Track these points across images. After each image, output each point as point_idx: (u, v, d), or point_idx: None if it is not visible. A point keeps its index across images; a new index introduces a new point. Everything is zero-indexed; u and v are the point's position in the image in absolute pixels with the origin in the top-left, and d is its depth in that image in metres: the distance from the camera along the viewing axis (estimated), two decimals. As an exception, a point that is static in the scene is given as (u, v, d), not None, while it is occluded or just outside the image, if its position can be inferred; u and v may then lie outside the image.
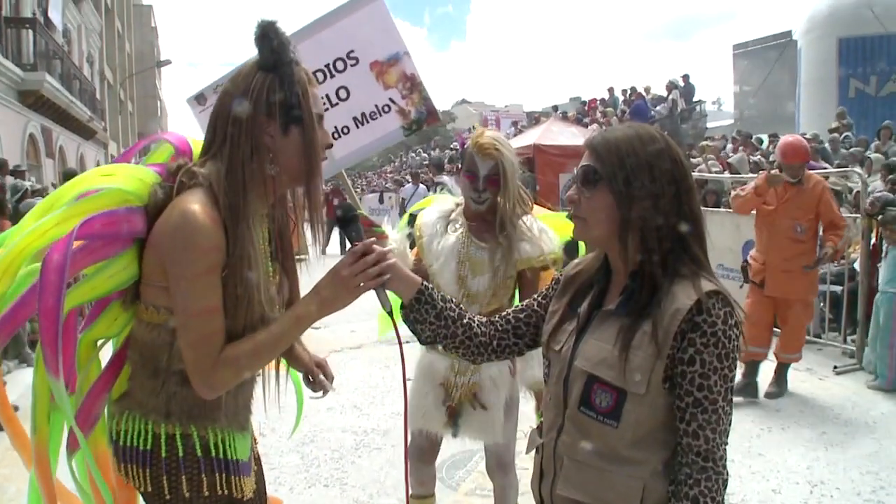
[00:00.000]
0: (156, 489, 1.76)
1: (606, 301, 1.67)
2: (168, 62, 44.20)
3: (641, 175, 1.54)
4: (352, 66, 3.20)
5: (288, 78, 1.73)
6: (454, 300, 1.89)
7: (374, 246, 1.77)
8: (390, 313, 1.85)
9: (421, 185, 15.68)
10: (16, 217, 9.45)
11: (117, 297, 1.82)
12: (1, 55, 17.61)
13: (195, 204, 1.64)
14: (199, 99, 3.15)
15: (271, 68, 1.73)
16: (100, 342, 1.92)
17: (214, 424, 1.81)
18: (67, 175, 14.78)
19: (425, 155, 33.66)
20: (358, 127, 3.24)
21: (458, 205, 3.16)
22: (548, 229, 3.06)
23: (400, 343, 1.85)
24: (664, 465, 1.54)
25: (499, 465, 3.21)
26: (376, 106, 3.24)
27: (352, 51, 3.17)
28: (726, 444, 1.51)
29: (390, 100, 3.23)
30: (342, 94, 3.23)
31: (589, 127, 19.65)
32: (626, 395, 1.52)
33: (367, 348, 7.57)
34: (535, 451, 1.81)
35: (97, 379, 1.88)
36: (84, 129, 28.19)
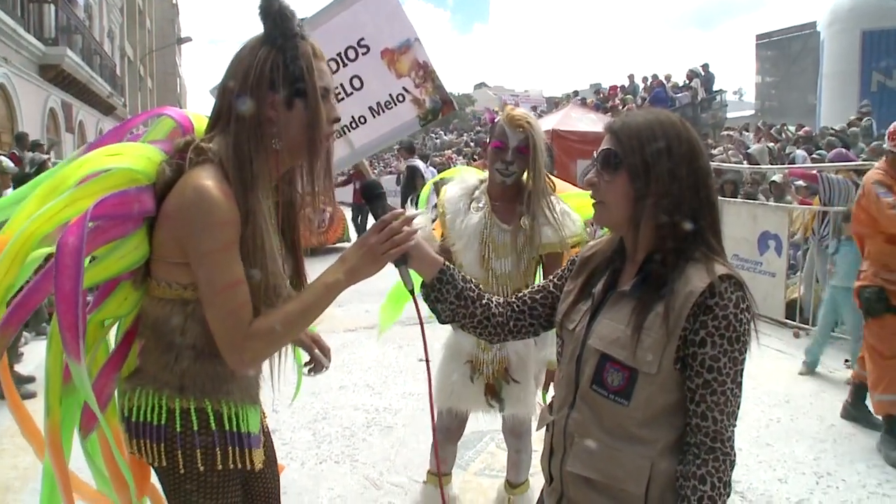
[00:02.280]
0: (170, 464, 1.77)
1: (621, 282, 1.69)
2: (188, 39, 44.20)
3: (660, 160, 1.56)
4: (363, 54, 3.14)
5: (291, 51, 1.73)
6: (474, 280, 1.92)
7: (400, 215, 1.80)
8: (412, 291, 1.88)
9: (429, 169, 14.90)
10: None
11: (127, 277, 1.82)
12: (23, 29, 17.70)
13: (208, 180, 1.65)
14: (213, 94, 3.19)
15: (275, 42, 1.73)
16: (107, 322, 1.92)
17: (228, 398, 1.83)
18: (134, 117, 14.81)
19: (447, 138, 33.53)
20: (374, 116, 3.21)
21: (482, 181, 3.15)
22: (571, 211, 3.06)
23: (421, 322, 1.88)
24: (673, 445, 1.57)
25: (513, 432, 3.28)
26: (391, 95, 3.18)
27: (362, 38, 3.12)
28: (734, 425, 1.54)
29: (404, 89, 3.17)
30: (356, 83, 3.17)
31: (608, 114, 19.59)
32: (637, 375, 1.55)
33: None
34: (545, 428, 1.84)
35: (108, 359, 1.90)
36: (104, 104, 28.36)
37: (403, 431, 4.95)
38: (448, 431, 3.32)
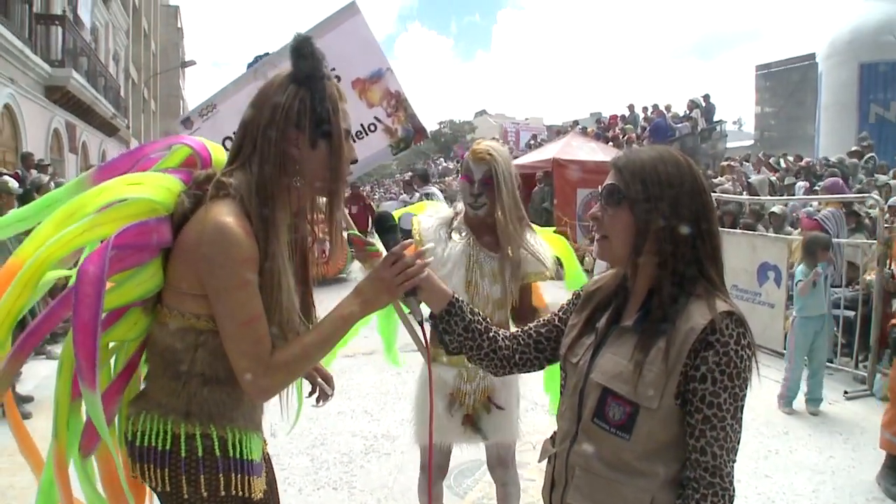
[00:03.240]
0: (174, 489, 1.77)
1: (624, 317, 1.72)
2: (192, 62, 44.59)
3: (662, 197, 1.59)
4: None
5: (320, 92, 1.78)
6: (479, 313, 1.95)
7: (411, 248, 1.85)
8: (421, 323, 1.95)
9: (416, 194, 14.92)
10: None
11: (139, 304, 1.84)
12: (30, 50, 17.82)
13: (229, 216, 1.67)
14: (186, 123, 3.12)
15: (304, 82, 1.78)
16: (112, 345, 1.93)
17: (233, 424, 1.84)
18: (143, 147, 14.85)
19: (447, 165, 33.63)
20: None
21: (456, 213, 3.18)
22: (544, 243, 3.12)
23: (428, 352, 1.93)
24: (673, 478, 1.59)
25: (500, 462, 3.26)
26: (362, 125, 3.14)
27: (333, 69, 3.17)
28: (734, 461, 1.55)
29: (376, 118, 3.14)
30: None
31: (609, 143, 19.70)
32: (638, 410, 1.57)
33: (379, 354, 7.53)
34: (546, 460, 1.86)
35: (111, 383, 1.90)
36: (107, 125, 28.48)
37: (401, 458, 4.94)
38: (437, 467, 3.30)
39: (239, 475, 1.83)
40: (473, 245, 3.03)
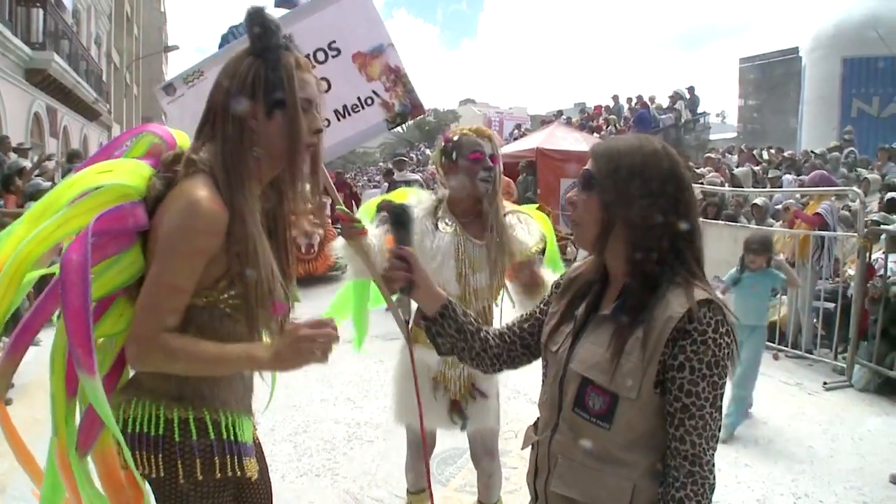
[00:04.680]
0: (168, 474, 1.76)
1: (603, 305, 1.71)
2: (175, 47, 43.81)
3: (632, 183, 1.58)
4: (333, 57, 3.06)
5: (273, 62, 1.78)
6: (470, 313, 1.95)
7: (331, 324, 1.82)
8: (407, 322, 1.99)
9: (411, 176, 14.03)
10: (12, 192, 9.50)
11: (123, 293, 1.83)
12: (10, 32, 17.59)
13: (202, 190, 1.67)
14: (168, 89, 3.03)
15: (259, 53, 1.79)
16: (102, 341, 1.91)
17: (225, 407, 1.84)
18: (71, 156, 14.81)
19: (429, 153, 33.53)
20: (339, 120, 3.10)
21: (439, 201, 3.16)
22: (529, 219, 3.13)
23: (411, 348, 1.92)
24: (655, 467, 1.58)
25: (485, 452, 3.26)
26: (359, 98, 3.09)
27: (333, 41, 3.04)
28: (714, 449, 1.55)
29: (373, 92, 3.08)
30: (322, 86, 3.15)
31: (593, 133, 19.73)
32: (618, 399, 1.57)
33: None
34: (530, 448, 1.86)
35: (104, 377, 1.82)
36: (89, 110, 28.18)
37: (384, 445, 4.95)
38: (417, 448, 3.31)
39: (233, 456, 1.84)
40: (461, 234, 3.02)
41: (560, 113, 26.82)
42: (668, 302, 1.54)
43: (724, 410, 5.01)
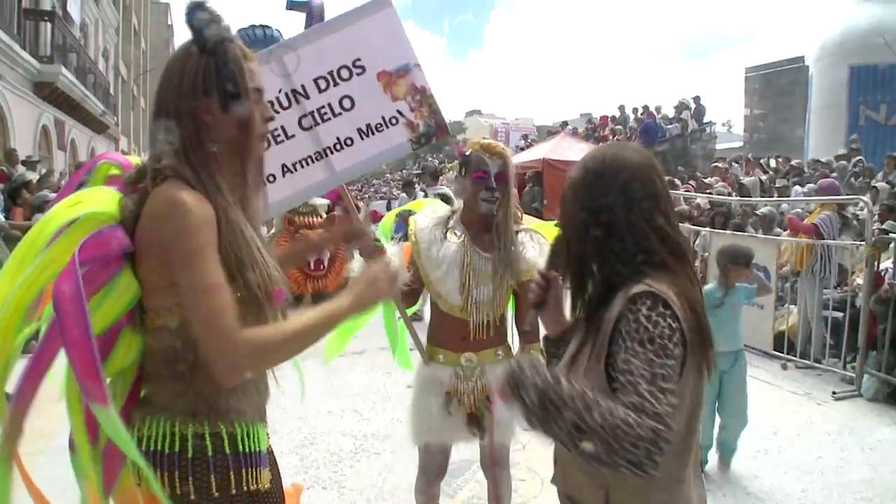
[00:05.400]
0: (182, 492, 1.72)
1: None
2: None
3: (576, 195, 1.75)
4: (358, 74, 3.02)
5: (221, 56, 1.75)
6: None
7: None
8: (541, 335, 2.11)
9: (420, 193, 13.01)
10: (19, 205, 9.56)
11: (126, 323, 1.77)
12: (18, 46, 17.72)
13: (179, 191, 1.64)
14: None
15: (205, 48, 1.75)
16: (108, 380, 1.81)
17: (241, 418, 1.81)
18: (78, 167, 14.83)
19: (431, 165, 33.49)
20: (363, 139, 3.07)
21: (453, 212, 3.16)
22: (542, 239, 3.09)
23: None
24: (630, 484, 1.58)
25: (497, 462, 3.21)
26: (383, 118, 3.05)
27: (358, 59, 3.01)
28: (661, 433, 1.42)
29: (398, 112, 3.04)
30: (346, 103, 3.04)
31: (599, 144, 19.71)
32: None
33: (369, 354, 7.59)
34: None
35: (120, 409, 1.73)
36: (96, 122, 28.35)
37: (391, 458, 4.93)
38: (431, 471, 3.26)
39: (249, 469, 1.80)
40: (468, 245, 3.01)
41: (565, 123, 26.82)
42: (615, 302, 1.63)
43: (713, 441, 4.94)
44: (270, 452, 2.01)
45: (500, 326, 3.10)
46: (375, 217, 11.55)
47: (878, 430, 5.81)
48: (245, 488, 1.79)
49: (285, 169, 3.06)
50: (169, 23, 53.49)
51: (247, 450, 1.80)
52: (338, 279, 10.29)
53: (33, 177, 11.59)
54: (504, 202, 2.98)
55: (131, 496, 1.79)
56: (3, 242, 6.24)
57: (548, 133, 25.09)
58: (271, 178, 3.01)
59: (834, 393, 6.65)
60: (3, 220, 8.25)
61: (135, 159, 1.95)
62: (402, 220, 3.43)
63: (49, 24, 20.60)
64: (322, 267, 10.30)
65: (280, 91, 2.98)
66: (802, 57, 24.88)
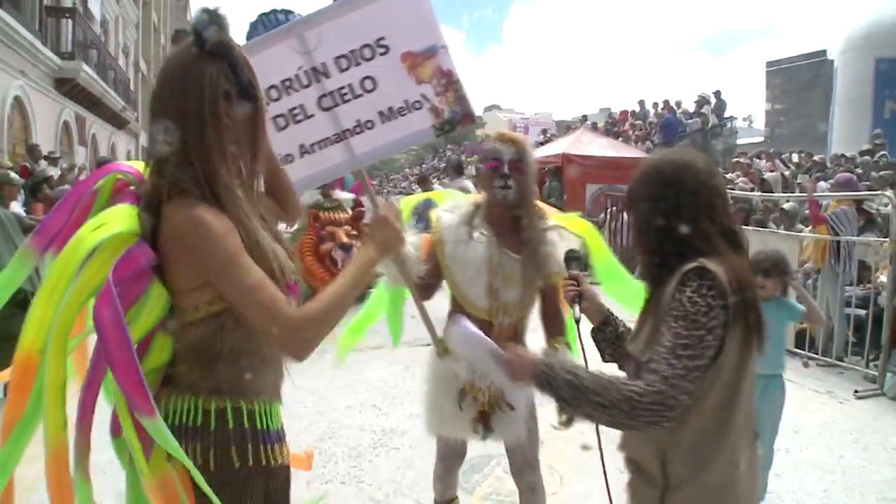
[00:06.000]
0: (203, 462, 1.80)
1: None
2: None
3: (638, 195, 1.98)
4: (381, 54, 2.87)
5: (234, 60, 1.81)
6: (629, 326, 2.26)
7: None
8: (577, 320, 2.25)
9: (437, 188, 12.23)
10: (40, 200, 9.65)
11: (159, 329, 1.85)
12: (40, 43, 17.86)
13: (190, 209, 1.72)
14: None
15: (217, 52, 1.79)
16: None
17: (259, 397, 1.92)
18: (100, 163, 14.99)
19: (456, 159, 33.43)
20: (383, 122, 2.94)
21: (476, 207, 3.08)
22: (568, 234, 3.03)
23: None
24: (683, 444, 1.83)
25: (526, 465, 3.17)
26: (406, 101, 2.91)
27: (382, 38, 2.86)
28: (667, 396, 1.69)
29: (422, 96, 2.89)
30: (367, 84, 2.90)
31: (619, 139, 19.62)
32: (640, 365, 1.86)
33: (387, 349, 7.56)
34: None
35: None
36: (117, 118, 28.54)
37: (410, 453, 4.94)
38: (449, 457, 3.27)
39: (266, 444, 1.91)
40: (495, 246, 2.93)
41: (584, 118, 26.70)
42: (672, 280, 1.81)
43: None
44: (281, 428, 2.09)
45: (522, 325, 3.07)
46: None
47: (902, 429, 5.75)
48: (263, 462, 1.90)
49: (303, 149, 2.98)
50: (188, 19, 53.74)
51: (264, 426, 1.92)
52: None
53: (54, 172, 11.69)
54: (520, 191, 2.91)
55: (165, 475, 1.85)
56: (24, 234, 6.37)
57: (567, 128, 24.98)
58: (289, 158, 2.95)
59: (856, 391, 6.58)
60: (24, 214, 8.35)
61: (138, 164, 2.00)
62: (423, 211, 3.37)
63: (70, 21, 20.76)
64: (349, 262, 10.23)
65: (300, 69, 2.89)
66: (825, 51, 24.62)
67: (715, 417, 1.81)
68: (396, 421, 5.62)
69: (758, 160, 15.92)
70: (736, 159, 15.69)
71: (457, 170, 11.59)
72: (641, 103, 24.69)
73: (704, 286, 1.74)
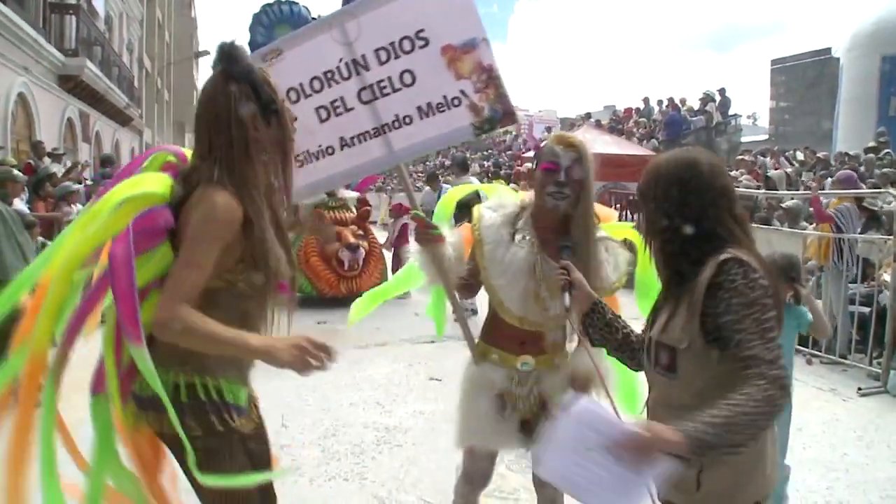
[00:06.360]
0: (174, 430, 1.98)
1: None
2: (206, 53, 44.09)
3: (656, 191, 2.02)
4: (420, 47, 2.78)
5: (258, 82, 2.12)
6: (616, 313, 2.33)
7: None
8: (568, 309, 2.31)
9: (445, 187, 11.76)
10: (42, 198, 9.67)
11: (156, 286, 2.08)
12: (44, 39, 17.87)
13: (219, 196, 2.02)
14: (265, 56, 2.89)
15: (242, 77, 2.11)
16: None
17: (226, 375, 2.15)
18: (104, 160, 15.08)
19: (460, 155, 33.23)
20: (422, 118, 2.84)
21: (522, 208, 2.88)
22: (618, 250, 2.86)
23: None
24: None
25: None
26: (445, 97, 2.81)
27: (422, 30, 2.76)
28: (779, 369, 1.77)
29: (461, 92, 2.79)
30: (406, 78, 2.82)
31: (622, 136, 19.58)
32: (677, 352, 1.95)
33: (391, 346, 7.61)
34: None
35: (126, 369, 2.14)
36: (121, 115, 28.56)
37: (413, 450, 4.94)
38: (474, 477, 3.07)
39: (229, 413, 2.14)
40: (538, 252, 2.74)
41: (588, 115, 26.66)
42: (704, 268, 1.90)
43: None
44: (259, 418, 2.38)
45: (562, 334, 2.89)
46: (400, 210, 11.43)
47: (906, 427, 5.74)
48: (226, 427, 2.11)
49: (343, 142, 2.96)
50: (192, 16, 53.76)
51: (227, 400, 2.14)
52: (371, 279, 10.06)
53: (58, 169, 11.70)
54: (579, 203, 2.69)
55: (138, 432, 2.20)
56: (26, 230, 6.44)
57: (570, 125, 24.93)
58: (330, 151, 2.95)
59: (860, 389, 6.58)
60: (28, 211, 8.37)
61: (187, 151, 2.31)
62: (464, 207, 3.20)
63: (74, 18, 20.76)
64: (357, 266, 10.04)
65: (341, 60, 2.86)
66: (829, 49, 24.63)
67: None
68: (400, 418, 5.62)
69: (762, 158, 15.89)
70: (740, 157, 15.66)
71: (462, 167, 11.45)
72: (646, 100, 24.68)
73: (749, 272, 1.84)
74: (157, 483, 2.29)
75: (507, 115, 2.85)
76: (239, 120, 2.08)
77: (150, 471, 2.26)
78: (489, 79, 2.80)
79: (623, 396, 2.89)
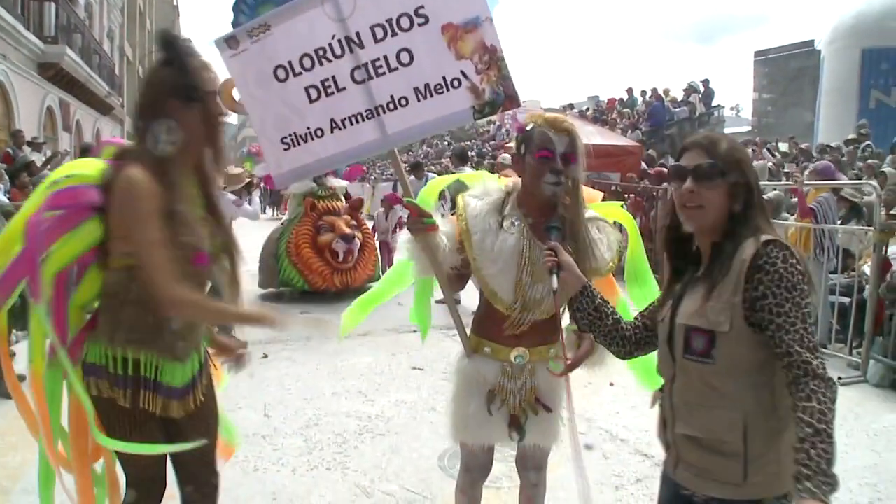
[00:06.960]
0: (107, 395, 2.27)
1: (695, 272, 2.08)
2: (189, 41, 43.85)
3: (745, 171, 1.97)
4: (419, 25, 2.63)
5: (185, 68, 2.25)
6: (606, 299, 2.29)
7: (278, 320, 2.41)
8: (555, 292, 2.29)
9: (430, 176, 11.72)
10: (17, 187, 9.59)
11: (93, 260, 2.33)
12: (23, 26, 17.66)
13: (134, 170, 2.16)
14: (230, 42, 2.74)
15: (172, 63, 2.26)
16: (87, 309, 2.44)
17: (150, 350, 2.30)
18: (84, 150, 14.92)
19: (443, 146, 33.07)
20: (419, 100, 2.71)
21: (507, 194, 2.80)
22: (609, 229, 2.80)
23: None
24: (764, 405, 1.89)
25: (536, 465, 2.99)
26: (444, 78, 2.67)
27: (421, 6, 2.62)
28: (818, 357, 1.79)
29: (462, 73, 2.65)
30: (404, 57, 2.67)
31: (606, 126, 19.60)
32: (715, 336, 1.90)
33: (374, 335, 7.59)
34: (658, 405, 2.19)
35: (76, 336, 2.39)
36: (102, 104, 28.33)
37: (395, 439, 4.93)
38: (474, 469, 3.03)
39: (150, 393, 2.30)
40: (528, 237, 2.67)
41: (571, 106, 26.68)
42: (744, 249, 1.88)
43: None
44: (210, 396, 2.58)
45: (555, 323, 2.73)
46: (393, 200, 11.07)
47: (884, 415, 5.81)
48: (146, 407, 2.29)
49: (333, 124, 2.82)
50: (174, 3, 53.27)
51: (150, 376, 2.30)
52: (365, 272, 9.95)
53: (37, 158, 11.57)
54: (573, 188, 2.64)
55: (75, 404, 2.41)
56: (5, 220, 6.39)
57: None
58: (319, 133, 2.83)
59: (840, 378, 6.61)
60: (7, 200, 8.28)
61: (129, 141, 2.48)
62: (451, 196, 3.15)
63: (53, 4, 20.54)
64: (351, 258, 9.77)
65: (333, 37, 2.71)
66: (812, 41, 24.68)
67: (781, 379, 1.87)
68: (382, 407, 5.61)
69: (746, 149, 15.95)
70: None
71: (461, 158, 11.19)
72: (629, 91, 24.69)
73: (789, 256, 1.85)
74: (83, 444, 2.48)
75: (509, 98, 2.71)
76: (161, 101, 2.24)
77: (82, 433, 2.44)
78: (492, 60, 2.66)
79: (643, 373, 2.89)
